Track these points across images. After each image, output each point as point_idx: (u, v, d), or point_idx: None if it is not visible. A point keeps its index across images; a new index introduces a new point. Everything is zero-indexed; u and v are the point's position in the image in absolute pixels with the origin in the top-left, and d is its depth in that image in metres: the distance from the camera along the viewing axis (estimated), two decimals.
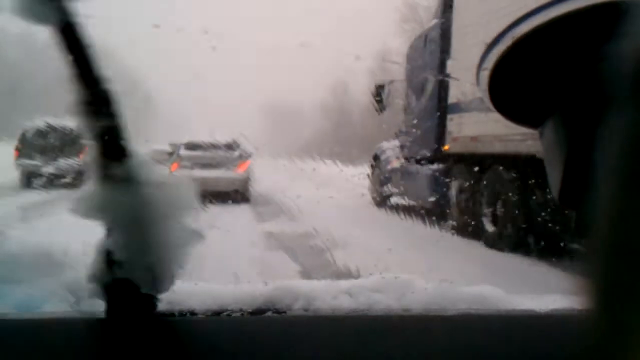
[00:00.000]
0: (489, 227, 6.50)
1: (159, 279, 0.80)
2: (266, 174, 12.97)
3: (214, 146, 11.65)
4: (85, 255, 1.02)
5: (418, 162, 8.65)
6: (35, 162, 13.23)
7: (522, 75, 0.55)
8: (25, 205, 8.86)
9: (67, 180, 13.54)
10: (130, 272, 0.78)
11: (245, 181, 11.23)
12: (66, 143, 13.41)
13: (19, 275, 0.97)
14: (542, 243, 5.48)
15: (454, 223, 7.01)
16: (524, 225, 5.78)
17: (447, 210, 7.39)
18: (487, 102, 0.58)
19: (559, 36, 0.49)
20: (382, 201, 9.46)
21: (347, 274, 3.65)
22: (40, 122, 14.01)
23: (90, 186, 0.76)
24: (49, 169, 12.88)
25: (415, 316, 0.97)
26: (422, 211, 7.56)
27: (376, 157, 10.35)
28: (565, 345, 0.61)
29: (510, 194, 6.22)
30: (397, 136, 9.80)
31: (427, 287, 1.11)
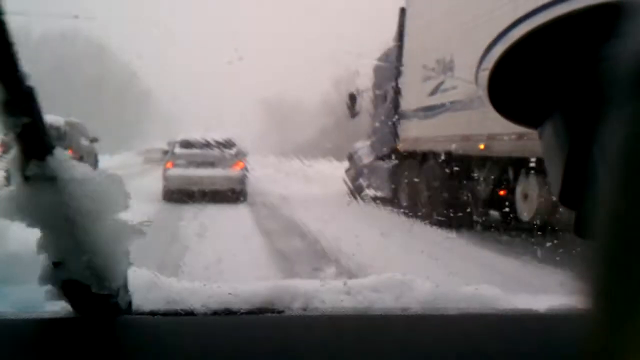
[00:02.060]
0: (423, 207, 8.31)
1: (106, 278, 0.79)
2: (273, 179, 12.69)
3: (209, 144, 11.43)
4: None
5: (380, 158, 10.69)
6: None
7: (522, 76, 0.55)
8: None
9: None
10: (73, 273, 0.77)
11: (241, 180, 11.05)
12: (53, 139, 13.22)
13: (19, 275, 0.97)
14: (458, 217, 7.11)
15: (403, 206, 9.05)
16: (446, 205, 7.52)
17: (399, 196, 9.55)
18: (487, 102, 0.58)
19: (559, 36, 0.49)
20: (357, 193, 11.25)
21: (346, 274, 3.75)
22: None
23: (12, 186, 0.74)
24: None
25: (414, 316, 0.97)
26: (385, 198, 9.91)
27: (351, 156, 12.36)
28: (564, 345, 0.61)
29: (437, 182, 8.06)
30: (368, 137, 11.83)
31: (425, 287, 1.11)
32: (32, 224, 0.75)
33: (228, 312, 0.93)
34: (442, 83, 8.18)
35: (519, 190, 6.74)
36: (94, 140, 14.89)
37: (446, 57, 8.06)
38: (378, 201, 9.77)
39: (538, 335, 0.85)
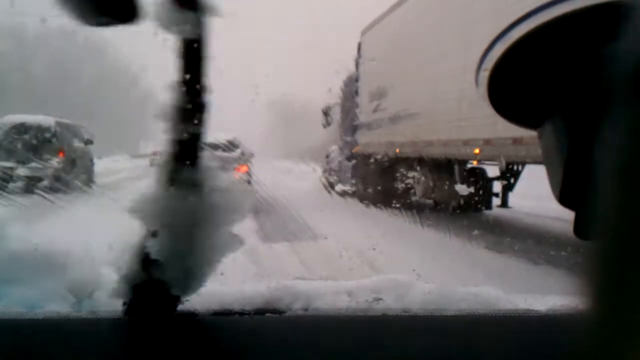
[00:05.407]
0: (372, 194, 11.14)
1: (191, 280, 0.82)
2: (280, 183, 12.62)
3: (211, 145, 10.74)
4: (87, 255, 1.02)
5: (346, 159, 13.80)
6: (8, 163, 11.63)
7: (522, 76, 0.55)
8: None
9: (46, 183, 12.31)
10: (166, 274, 0.79)
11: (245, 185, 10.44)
12: (43, 142, 12.18)
13: (21, 275, 0.97)
14: (385, 199, 9.77)
15: (359, 194, 12.08)
16: (388, 192, 10.28)
17: (357, 187, 12.70)
18: (487, 103, 0.58)
19: (559, 36, 0.49)
20: (330, 187, 14.38)
21: (347, 275, 3.88)
22: (14, 119, 12.33)
23: (154, 189, 0.77)
24: (24, 171, 11.50)
25: (414, 316, 0.97)
26: (350, 190, 13.03)
27: (327, 156, 15.35)
28: (565, 345, 0.61)
29: (376, 176, 11.28)
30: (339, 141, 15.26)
31: (426, 288, 1.11)
32: (159, 224, 0.77)
33: (229, 313, 0.93)
34: (379, 104, 11.68)
35: (416, 179, 9.97)
36: (88, 142, 14.45)
37: (382, 85, 11.53)
38: (345, 193, 13.02)
39: (538, 335, 0.85)
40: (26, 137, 12.20)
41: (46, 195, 10.54)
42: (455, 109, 8.11)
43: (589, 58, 0.44)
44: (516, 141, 6.50)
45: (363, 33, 13.24)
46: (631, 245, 0.27)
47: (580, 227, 0.48)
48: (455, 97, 8.02)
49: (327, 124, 15.19)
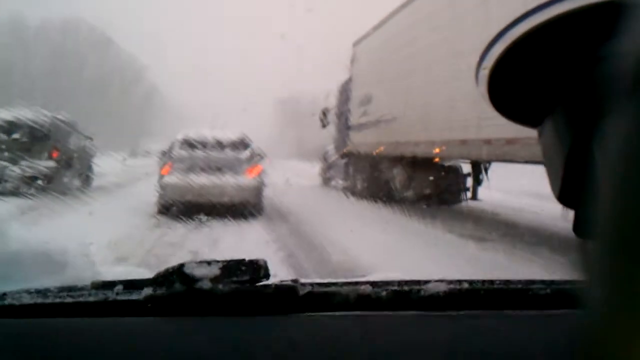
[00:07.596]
0: (360, 188, 13.10)
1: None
2: (293, 186, 12.41)
3: (217, 144, 9.22)
4: (84, 254, 1.02)
5: (340, 157, 15.57)
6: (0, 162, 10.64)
7: (522, 75, 0.55)
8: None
9: (40, 183, 10.78)
10: None
11: (257, 190, 8.93)
12: (37, 140, 11.18)
13: (19, 274, 0.97)
14: (372, 192, 11.67)
15: (350, 189, 13.84)
16: (374, 187, 12.02)
17: (348, 182, 14.34)
18: (486, 101, 0.58)
19: (559, 35, 0.49)
20: (326, 182, 16.59)
21: (347, 273, 4.04)
22: (6, 114, 11.18)
23: None
24: (16, 171, 10.68)
25: (414, 315, 0.97)
26: (344, 185, 14.72)
27: (324, 155, 17.26)
28: (564, 345, 0.61)
29: (369, 172, 12.75)
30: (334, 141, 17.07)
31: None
32: None
33: (228, 313, 0.93)
34: (367, 109, 13.31)
35: (395, 174, 11.24)
36: (87, 138, 13.25)
37: (369, 92, 13.21)
38: (340, 188, 14.78)
39: (538, 334, 0.85)
40: (19, 133, 11.21)
41: (40, 196, 9.99)
42: (423, 115, 9.99)
43: (589, 57, 0.44)
44: (463, 142, 8.38)
45: (355, 44, 15.09)
46: (631, 245, 0.27)
47: (579, 226, 0.48)
48: (422, 105, 9.97)
49: (324, 125, 16.97)
